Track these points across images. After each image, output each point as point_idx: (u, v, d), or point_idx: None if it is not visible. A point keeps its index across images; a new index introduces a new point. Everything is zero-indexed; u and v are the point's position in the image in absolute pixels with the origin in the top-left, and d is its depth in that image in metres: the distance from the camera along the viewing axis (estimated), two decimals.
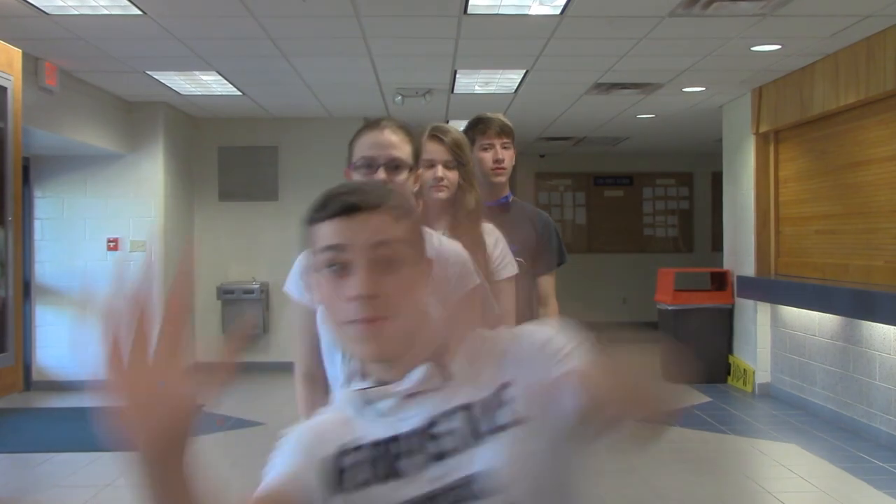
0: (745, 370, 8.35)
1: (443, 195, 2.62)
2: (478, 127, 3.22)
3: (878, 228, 6.42)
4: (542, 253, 3.21)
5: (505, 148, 3.18)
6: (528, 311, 3.15)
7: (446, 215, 2.65)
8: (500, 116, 3.24)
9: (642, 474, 5.62)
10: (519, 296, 2.66)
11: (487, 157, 3.19)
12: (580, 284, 13.63)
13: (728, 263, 8.94)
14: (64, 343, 8.65)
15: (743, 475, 5.72)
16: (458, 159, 2.64)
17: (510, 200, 3.25)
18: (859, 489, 5.31)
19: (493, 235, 2.68)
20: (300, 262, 2.33)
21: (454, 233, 2.58)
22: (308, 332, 2.27)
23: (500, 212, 3.14)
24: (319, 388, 2.30)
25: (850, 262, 6.81)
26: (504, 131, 3.19)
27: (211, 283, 9.63)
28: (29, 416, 7.57)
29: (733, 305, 8.67)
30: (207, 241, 9.78)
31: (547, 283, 3.24)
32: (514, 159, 3.23)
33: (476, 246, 2.53)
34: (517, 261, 3.05)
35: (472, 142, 3.21)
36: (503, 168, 3.18)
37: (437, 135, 2.65)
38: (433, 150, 2.62)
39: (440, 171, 2.61)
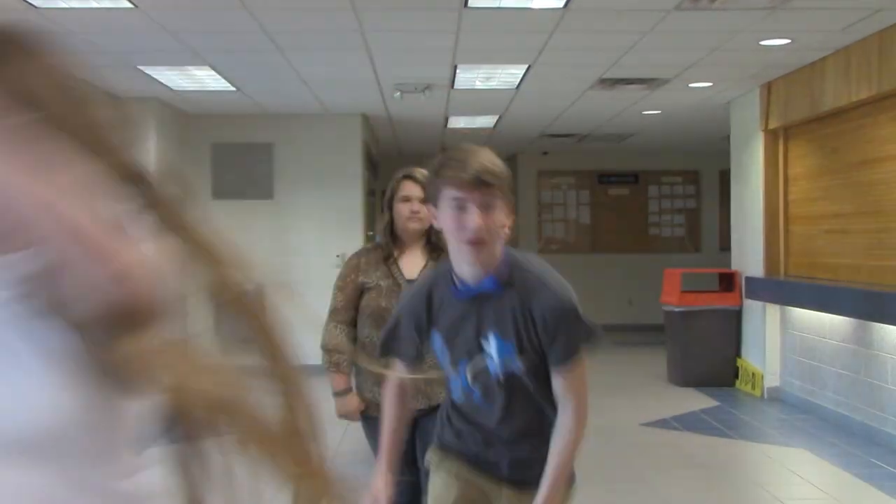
0: (753, 374, 8.35)
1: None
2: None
3: (891, 228, 6.42)
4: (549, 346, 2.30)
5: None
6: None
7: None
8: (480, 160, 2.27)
9: (648, 481, 5.63)
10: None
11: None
12: (584, 285, 13.61)
13: (736, 264, 8.94)
14: None
15: (751, 482, 5.72)
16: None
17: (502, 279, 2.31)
18: (871, 496, 5.31)
19: None
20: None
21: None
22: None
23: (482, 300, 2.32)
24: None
25: (862, 262, 6.81)
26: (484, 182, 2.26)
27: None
28: None
29: (741, 307, 8.66)
30: None
31: (560, 380, 2.32)
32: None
33: None
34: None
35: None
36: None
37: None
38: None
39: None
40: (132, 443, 1.05)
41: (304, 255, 9.68)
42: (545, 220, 13.88)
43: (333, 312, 3.47)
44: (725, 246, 10.01)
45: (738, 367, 8.68)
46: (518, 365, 2.27)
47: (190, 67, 7.34)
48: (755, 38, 6.34)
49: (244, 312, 1.15)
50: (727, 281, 8.92)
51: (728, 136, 9.21)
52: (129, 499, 1.01)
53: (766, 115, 8.09)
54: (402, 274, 3.37)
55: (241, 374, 1.06)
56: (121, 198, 1.03)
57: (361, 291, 3.40)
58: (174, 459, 1.05)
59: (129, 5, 5.42)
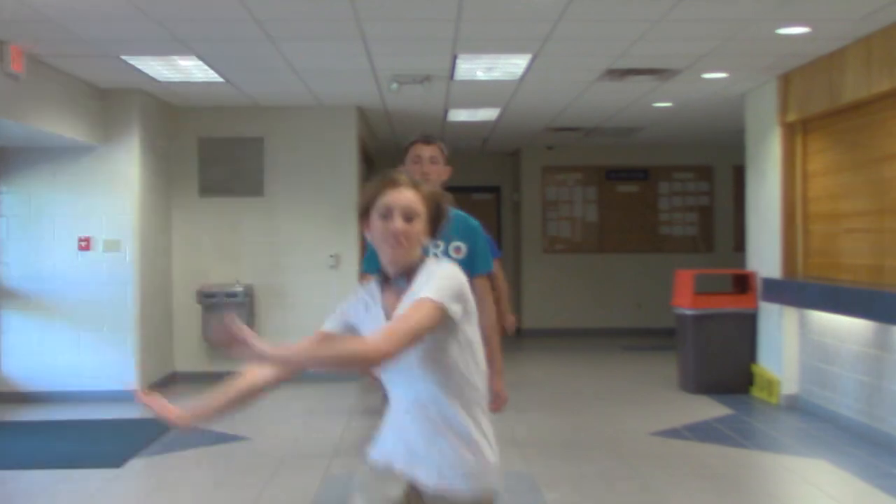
0: (770, 380, 8.36)
1: None
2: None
3: None
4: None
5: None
6: None
7: None
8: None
9: (659, 492, 5.63)
10: None
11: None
12: (591, 287, 13.65)
13: (752, 264, 8.95)
14: (32, 351, 8.64)
15: (768, 494, 5.73)
16: None
17: None
18: None
19: None
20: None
21: None
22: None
23: None
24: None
25: (885, 262, 6.81)
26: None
27: (190, 286, 9.63)
28: None
29: (757, 310, 8.67)
30: (187, 240, 9.78)
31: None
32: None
33: None
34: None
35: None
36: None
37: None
38: None
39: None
40: None
41: (296, 254, 9.69)
42: (550, 219, 13.89)
43: None
44: (740, 246, 10.03)
45: (753, 374, 8.69)
46: None
47: (176, 57, 7.34)
48: (772, 26, 6.35)
49: None
50: (742, 282, 8.93)
51: (743, 130, 9.21)
52: None
53: (784, 108, 8.10)
54: None
55: None
56: None
57: None
58: None
59: None
